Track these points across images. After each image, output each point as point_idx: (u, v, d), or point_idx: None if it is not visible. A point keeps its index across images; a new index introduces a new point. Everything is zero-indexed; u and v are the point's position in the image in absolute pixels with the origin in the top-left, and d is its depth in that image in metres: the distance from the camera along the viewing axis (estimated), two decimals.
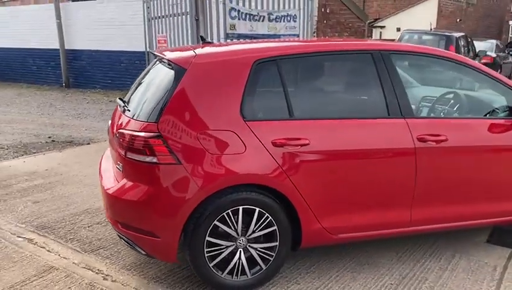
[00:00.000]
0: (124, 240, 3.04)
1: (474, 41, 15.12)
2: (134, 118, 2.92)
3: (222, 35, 8.53)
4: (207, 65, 2.96)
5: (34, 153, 6.53)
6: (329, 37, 10.67)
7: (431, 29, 12.03)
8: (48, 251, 3.56)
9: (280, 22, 9.55)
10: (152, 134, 2.76)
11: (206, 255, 2.87)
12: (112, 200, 2.95)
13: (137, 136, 2.81)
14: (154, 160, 2.76)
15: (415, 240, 3.69)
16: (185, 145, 2.77)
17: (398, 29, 16.44)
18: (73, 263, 3.37)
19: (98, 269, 3.27)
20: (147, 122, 2.82)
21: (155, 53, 3.23)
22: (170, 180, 2.77)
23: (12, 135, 7.71)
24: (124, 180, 2.92)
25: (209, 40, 3.61)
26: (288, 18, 9.72)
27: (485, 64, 13.46)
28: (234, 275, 2.96)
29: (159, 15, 9.23)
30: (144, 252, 2.95)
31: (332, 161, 3.01)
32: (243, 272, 2.97)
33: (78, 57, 14.90)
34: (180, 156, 2.75)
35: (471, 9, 23.81)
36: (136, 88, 3.29)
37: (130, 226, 2.89)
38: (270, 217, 2.93)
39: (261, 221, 2.92)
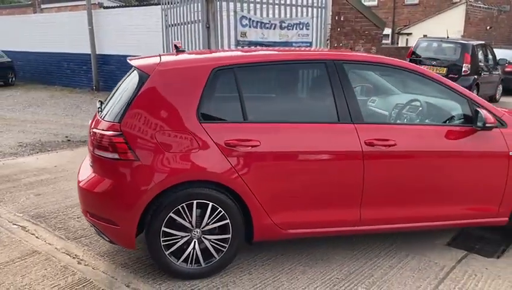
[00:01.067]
0: (93, 228, 3.39)
1: (505, 50, 14.88)
2: (104, 118, 3.27)
3: (233, 42, 8.84)
4: (169, 72, 3.27)
5: (49, 151, 7.05)
6: (343, 44, 10.83)
7: (447, 37, 11.96)
8: (37, 237, 3.96)
9: (292, 29, 9.79)
10: (115, 133, 3.10)
11: (162, 243, 3.17)
12: (82, 192, 3.31)
13: (103, 134, 3.15)
14: (116, 156, 3.09)
15: (374, 240, 3.87)
16: (143, 144, 3.09)
17: (425, 36, 16.33)
18: (56, 248, 3.75)
19: (75, 255, 3.64)
20: (112, 122, 3.16)
21: (127, 60, 3.57)
22: (129, 175, 3.09)
23: (34, 134, 8.29)
24: (92, 175, 3.27)
25: (183, 48, 3.91)
26: (301, 26, 9.94)
27: (509, 72, 13.26)
28: (189, 263, 3.25)
29: (175, 22, 9.66)
30: (108, 239, 3.29)
31: (282, 161, 3.26)
32: (197, 261, 3.26)
33: (107, 62, 15.62)
34: (138, 153, 3.07)
35: (504, 16, 23.26)
36: (114, 92, 3.64)
37: (96, 215, 3.23)
38: (223, 212, 3.20)
39: (214, 215, 3.20)
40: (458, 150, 3.51)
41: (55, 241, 3.88)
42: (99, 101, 3.75)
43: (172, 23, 9.89)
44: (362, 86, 5.13)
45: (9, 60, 17.88)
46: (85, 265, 3.48)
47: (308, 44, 10.14)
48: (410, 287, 3.21)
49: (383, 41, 23.90)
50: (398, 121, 3.98)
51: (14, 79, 17.88)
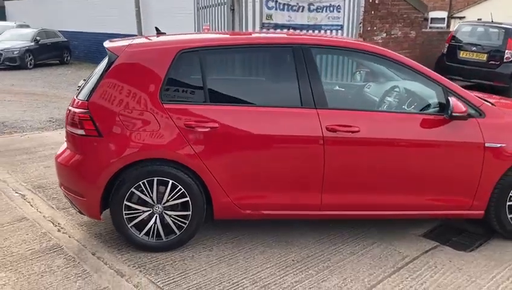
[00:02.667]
0: (67, 199, 3.63)
1: None
2: (77, 97, 3.47)
3: (258, 25, 8.87)
4: (136, 53, 3.41)
5: None
6: (377, 28, 10.51)
7: (492, 21, 11.27)
8: (31, 205, 4.28)
9: (322, 12, 9.63)
10: (82, 110, 3.29)
11: (125, 216, 3.36)
12: (57, 165, 3.55)
13: (74, 112, 3.36)
14: (82, 132, 3.29)
15: (347, 226, 3.86)
16: (107, 121, 3.26)
17: (479, 20, 15.48)
18: (43, 216, 4.05)
19: (58, 223, 3.91)
20: (81, 100, 3.36)
21: (104, 43, 3.74)
22: (93, 151, 3.29)
23: None
24: (66, 151, 3.50)
25: (169, 31, 4.03)
26: (331, 8, 9.75)
27: None
28: (150, 236, 3.41)
29: (206, 5, 9.82)
30: (77, 210, 3.53)
31: (240, 143, 3.32)
32: (159, 235, 3.42)
33: None
34: (102, 130, 3.25)
35: None
36: (91, 73, 3.83)
37: (67, 187, 3.47)
38: (183, 189, 3.33)
39: (175, 192, 3.33)
40: (427, 139, 3.41)
41: (45, 210, 4.18)
42: (83, 79, 3.96)
43: (203, 5, 10.05)
44: (362, 71, 5.06)
45: (64, 39, 18.85)
46: (63, 233, 3.74)
47: (339, 27, 9.95)
48: (362, 274, 3.20)
49: (438, 25, 22.88)
50: (378, 108, 3.90)
51: (69, 58, 18.84)
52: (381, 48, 3.58)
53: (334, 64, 8.09)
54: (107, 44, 3.56)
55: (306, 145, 3.34)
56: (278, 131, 3.32)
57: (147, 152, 3.27)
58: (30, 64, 16.39)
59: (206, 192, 3.38)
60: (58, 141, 6.47)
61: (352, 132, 3.32)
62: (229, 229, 3.79)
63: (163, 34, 3.92)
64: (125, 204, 3.32)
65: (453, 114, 3.27)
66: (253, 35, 3.80)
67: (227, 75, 3.58)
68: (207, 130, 3.26)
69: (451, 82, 3.54)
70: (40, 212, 4.14)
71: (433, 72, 3.52)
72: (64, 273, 3.15)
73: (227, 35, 3.82)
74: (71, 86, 12.24)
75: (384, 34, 10.84)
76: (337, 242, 3.65)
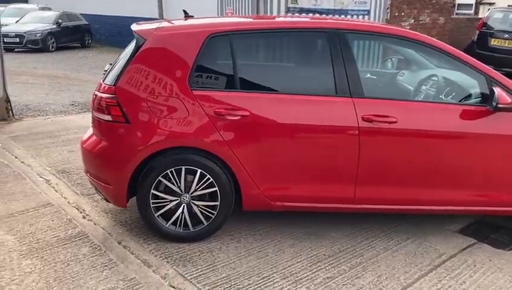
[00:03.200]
0: (93, 186, 3.55)
1: None
2: (104, 82, 3.37)
3: (283, 9, 8.67)
4: (165, 37, 3.28)
5: None
6: (405, 14, 10.18)
7: None
8: (56, 190, 4.23)
9: None
10: (109, 95, 3.19)
11: (151, 205, 3.27)
12: (83, 152, 3.47)
13: (100, 97, 3.26)
14: (109, 118, 3.19)
15: (379, 220, 3.72)
16: (134, 107, 3.16)
17: (509, 7, 14.95)
18: (68, 202, 3.99)
19: (83, 209, 3.85)
20: (109, 85, 3.25)
21: (131, 26, 3.61)
22: (120, 138, 3.19)
23: (90, 94, 8.59)
24: (92, 137, 3.41)
25: (191, 14, 3.88)
26: None
27: None
28: (177, 226, 3.32)
29: None
30: (103, 197, 3.45)
31: (272, 133, 3.19)
32: (186, 225, 3.32)
33: None
34: (129, 116, 3.15)
35: None
36: (119, 56, 3.72)
37: (93, 174, 3.39)
38: (212, 179, 3.22)
39: (203, 181, 3.22)
40: (468, 131, 3.23)
41: (70, 195, 4.13)
42: (110, 64, 3.86)
43: None
44: (393, 59, 4.86)
45: (86, 22, 18.84)
46: (88, 220, 3.68)
47: (366, 12, 9.71)
48: (397, 271, 3.06)
49: (466, 11, 22.20)
50: (414, 98, 3.72)
51: (90, 41, 18.84)
52: (422, 35, 3.38)
53: (361, 50, 7.87)
54: (134, 27, 3.44)
55: (341, 136, 3.19)
56: (312, 120, 3.18)
57: (175, 140, 3.16)
58: (52, 47, 16.43)
59: (235, 182, 3.27)
60: (81, 125, 6.43)
61: (390, 122, 3.16)
62: (257, 221, 3.68)
63: (191, 17, 3.79)
64: (152, 193, 3.23)
65: (498, 105, 3.08)
66: (287, 19, 3.63)
67: (259, 61, 3.43)
68: (237, 118, 3.14)
69: (495, 71, 3.34)
70: (65, 198, 4.08)
71: (476, 60, 3.32)
72: (90, 262, 3.08)
73: (259, 19, 3.66)
74: (93, 70, 12.24)
75: (412, 20, 10.52)
76: (370, 237, 3.51)
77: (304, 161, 3.24)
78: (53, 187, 4.30)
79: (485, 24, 10.73)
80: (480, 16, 19.49)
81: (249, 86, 3.24)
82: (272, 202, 3.31)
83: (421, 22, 10.73)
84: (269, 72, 3.37)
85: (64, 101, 8.10)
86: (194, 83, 3.17)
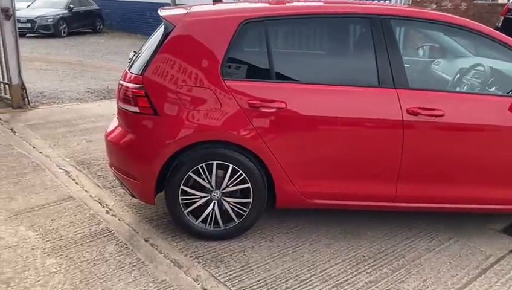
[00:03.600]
0: (118, 181, 3.38)
1: None
2: (130, 70, 3.17)
3: None
4: (195, 23, 3.07)
5: (112, 98, 7.24)
6: None
7: None
8: (76, 183, 4.07)
9: None
10: (136, 85, 3.00)
11: (181, 202, 3.09)
12: (107, 144, 3.29)
13: (126, 87, 3.07)
14: (137, 110, 3.00)
15: (415, 218, 3.52)
16: (163, 98, 2.96)
17: None
18: (90, 195, 3.83)
19: (106, 204, 3.69)
20: (135, 74, 3.06)
21: (158, 11, 3.41)
22: (148, 130, 3.01)
23: (104, 81, 8.57)
24: (118, 128, 3.23)
25: None
26: None
27: None
28: (208, 224, 3.15)
29: None
30: (129, 192, 3.28)
31: (309, 126, 2.99)
32: (216, 223, 3.15)
33: None
34: (158, 108, 2.96)
35: None
36: (145, 43, 3.52)
37: (119, 168, 3.21)
38: (244, 175, 3.04)
39: (235, 177, 3.04)
40: None
41: (91, 188, 3.97)
42: (134, 51, 3.67)
43: None
44: (425, 46, 4.60)
45: (97, 8, 18.60)
46: (112, 215, 3.52)
47: None
48: (443, 275, 2.87)
49: None
50: (458, 89, 3.49)
51: (101, 27, 18.62)
52: (472, 21, 3.14)
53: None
54: (162, 12, 3.23)
55: (383, 130, 2.98)
56: (352, 113, 2.97)
57: (206, 133, 2.97)
58: (64, 32, 16.24)
59: (268, 178, 3.08)
60: (98, 113, 6.27)
61: (436, 115, 2.94)
62: (288, 218, 3.50)
63: (220, 1, 3.56)
64: (181, 189, 3.06)
65: None
66: (325, 4, 3.39)
67: (296, 48, 3.22)
68: (273, 110, 2.93)
69: None
70: (86, 191, 3.92)
71: None
72: (117, 262, 2.92)
73: (296, 4, 3.43)
74: (106, 56, 12.06)
75: (434, 6, 10.18)
76: (409, 236, 3.32)
77: (342, 156, 3.04)
78: (73, 179, 4.15)
79: (510, 10, 10.35)
80: (500, 1, 18.96)
81: (286, 76, 3.03)
82: (307, 200, 3.12)
83: (443, 7, 10.38)
84: (307, 61, 3.15)
85: (80, 88, 7.93)
86: (226, 73, 2.97)
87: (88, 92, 7.65)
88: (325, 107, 2.97)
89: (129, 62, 3.41)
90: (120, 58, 11.60)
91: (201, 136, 2.98)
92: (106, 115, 6.22)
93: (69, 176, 4.21)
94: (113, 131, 3.26)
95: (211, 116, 2.94)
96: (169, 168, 3.05)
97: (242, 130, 2.95)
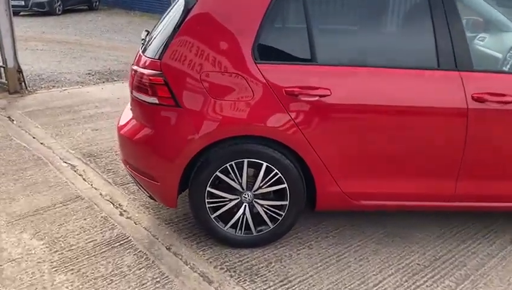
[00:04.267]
0: (133, 180, 2.97)
1: None
2: (145, 54, 2.72)
3: None
4: None
5: (115, 80, 6.78)
6: None
7: None
8: (84, 179, 3.66)
9: None
10: (154, 72, 2.56)
11: (207, 205, 2.69)
12: (121, 139, 2.86)
13: (142, 73, 2.62)
14: (155, 101, 2.57)
15: (466, 216, 3.13)
16: (186, 87, 2.53)
17: None
18: (100, 194, 3.42)
19: (119, 204, 3.29)
20: (152, 58, 2.61)
21: None
22: (169, 125, 2.58)
23: (105, 62, 8.08)
24: (132, 121, 2.80)
25: None
26: None
27: None
28: (238, 229, 2.75)
29: None
30: (147, 194, 2.87)
31: (358, 117, 2.57)
32: (248, 228, 2.75)
33: None
34: (180, 98, 2.52)
35: None
36: (160, 21, 3.06)
37: (135, 167, 2.80)
38: (280, 174, 2.63)
39: (269, 177, 2.63)
40: None
41: (101, 185, 3.56)
42: (146, 30, 3.21)
43: None
44: (468, 20, 4.13)
45: None
46: (127, 218, 3.12)
47: None
48: None
49: None
50: None
51: (98, 3, 17.95)
52: None
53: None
54: None
55: (444, 120, 2.56)
56: (406, 101, 2.54)
57: (236, 127, 2.54)
58: (59, 10, 15.60)
59: (307, 178, 2.67)
60: (101, 97, 5.83)
61: (505, 102, 2.52)
62: (325, 219, 3.11)
63: None
64: (208, 191, 2.65)
65: None
66: None
67: (341, 24, 2.76)
68: (315, 99, 2.50)
69: None
70: (96, 188, 3.51)
71: None
72: (137, 277, 2.53)
73: None
74: (104, 34, 11.51)
75: None
76: (464, 239, 2.93)
77: (395, 150, 2.62)
78: (80, 175, 3.73)
79: None
80: None
81: (330, 57, 2.58)
82: (353, 201, 2.72)
83: None
84: (355, 39, 2.69)
85: (80, 69, 7.44)
86: (259, 55, 2.52)
87: (89, 74, 7.16)
88: (376, 94, 2.53)
89: (142, 44, 2.96)
90: (120, 37, 11.08)
91: (230, 131, 2.55)
92: (110, 99, 5.78)
93: (75, 171, 3.80)
94: (126, 124, 2.83)
95: (241, 107, 2.51)
96: (194, 167, 2.63)
97: (278, 122, 2.53)
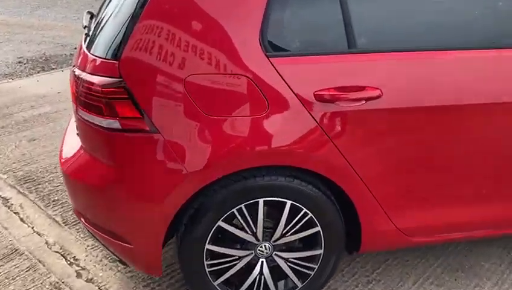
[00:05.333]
0: (95, 239, 2.05)
1: None
2: (91, 51, 1.77)
3: None
4: None
5: (53, 69, 5.64)
6: None
7: None
8: (21, 219, 2.70)
9: None
10: (109, 79, 1.63)
11: (207, 269, 1.84)
12: (67, 181, 1.93)
13: (89, 82, 1.68)
14: (115, 124, 1.65)
15: None
16: (163, 101, 1.62)
17: None
18: (46, 242, 2.49)
19: (73, 258, 2.37)
20: (103, 59, 1.67)
21: None
22: (142, 160, 1.67)
23: (39, 45, 6.84)
24: (80, 152, 1.87)
25: None
26: None
27: None
28: None
29: None
30: (116, 258, 1.97)
31: (425, 125, 1.75)
32: None
33: None
34: (155, 118, 1.61)
35: None
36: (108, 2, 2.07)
37: (93, 223, 1.88)
38: (311, 214, 1.80)
39: (296, 220, 1.81)
40: None
41: (46, 227, 2.61)
42: (88, 12, 2.23)
43: None
44: None
45: None
46: (87, 280, 2.22)
47: None
48: None
49: None
50: None
51: None
52: None
53: None
54: None
55: None
56: (497, 96, 1.75)
57: (246, 157, 1.68)
58: None
59: (346, 211, 1.87)
60: (38, 93, 4.74)
61: None
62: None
63: None
64: (207, 249, 1.79)
65: None
66: None
67: None
68: (359, 104, 1.66)
69: None
70: (40, 234, 2.57)
71: None
72: None
73: None
74: (36, 11, 10.03)
75: None
76: None
77: (477, 168, 1.85)
78: (16, 213, 2.76)
79: None
80: None
81: (378, 39, 1.73)
82: (410, 238, 1.94)
83: None
84: (411, 11, 1.82)
85: (8, 57, 6.19)
86: (272, 45, 1.64)
87: (20, 62, 5.94)
88: (452, 89, 1.72)
89: (85, 34, 1.99)
90: (54, 14, 9.67)
91: (236, 163, 1.68)
92: (49, 95, 4.70)
93: (7, 207, 2.82)
94: (73, 158, 1.89)
95: (251, 126, 1.64)
96: (184, 216, 1.76)
97: (307, 142, 1.68)
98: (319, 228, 1.84)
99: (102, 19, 1.86)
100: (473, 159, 1.82)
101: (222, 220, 1.76)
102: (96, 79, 1.66)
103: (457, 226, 1.98)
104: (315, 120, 1.66)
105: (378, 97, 1.67)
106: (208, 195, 1.72)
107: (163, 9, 1.61)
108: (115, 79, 1.62)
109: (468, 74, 1.73)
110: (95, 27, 1.90)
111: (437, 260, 2.29)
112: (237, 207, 1.75)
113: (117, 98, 1.62)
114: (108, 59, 1.65)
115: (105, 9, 1.92)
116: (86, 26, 2.06)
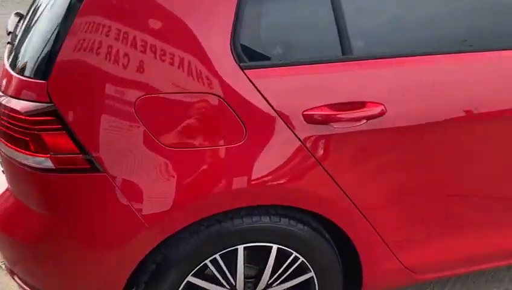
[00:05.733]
0: None
1: None
2: (12, 66, 1.37)
3: None
4: None
5: None
6: None
7: None
8: None
9: None
10: (36, 105, 1.24)
11: None
12: None
13: (12, 110, 1.29)
14: (46, 163, 1.26)
15: None
16: (109, 130, 1.24)
17: None
18: None
19: None
20: (28, 78, 1.28)
21: None
22: (82, 208, 1.29)
23: None
24: (7, 194, 1.46)
25: None
26: None
27: None
28: None
29: None
30: None
31: (438, 145, 1.44)
32: None
33: None
34: (99, 154, 1.24)
35: None
36: (34, 8, 1.65)
37: (28, 283, 1.49)
38: (302, 258, 1.47)
39: (285, 266, 1.47)
40: None
41: None
42: (17, 14, 1.81)
43: None
44: None
45: None
46: None
47: None
48: None
49: None
50: None
51: None
52: None
53: None
54: None
55: None
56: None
57: (219, 198, 1.33)
58: None
59: (343, 251, 1.55)
60: None
61: None
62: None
63: None
64: None
65: None
66: None
67: None
68: (359, 124, 1.33)
69: None
70: None
71: None
72: None
73: None
74: None
75: None
76: None
77: (493, 191, 1.55)
78: None
79: None
80: None
81: (375, 44, 1.40)
82: (417, 276, 1.63)
83: None
84: (414, 9, 1.47)
85: None
86: (247, 54, 1.28)
87: None
88: (471, 100, 1.41)
89: (8, 43, 1.58)
90: (2, 9, 9.00)
91: (207, 207, 1.33)
92: None
93: None
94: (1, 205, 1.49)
95: (224, 158, 1.29)
96: (143, 273, 1.40)
97: (295, 176, 1.34)
98: (312, 274, 1.51)
99: (29, 24, 1.47)
100: (494, 183, 1.52)
101: (192, 275, 1.40)
102: (19, 105, 1.27)
103: (472, 258, 1.68)
104: (305, 147, 1.32)
105: (381, 114, 1.34)
106: (173, 246, 1.36)
107: (106, 4, 1.23)
108: (43, 104, 1.23)
109: (489, 81, 1.42)
110: (21, 35, 1.49)
111: (443, 288, 2.00)
112: (210, 258, 1.39)
113: (47, 128, 1.24)
114: (33, 78, 1.26)
115: (33, 10, 1.53)
116: (10, 33, 1.65)
